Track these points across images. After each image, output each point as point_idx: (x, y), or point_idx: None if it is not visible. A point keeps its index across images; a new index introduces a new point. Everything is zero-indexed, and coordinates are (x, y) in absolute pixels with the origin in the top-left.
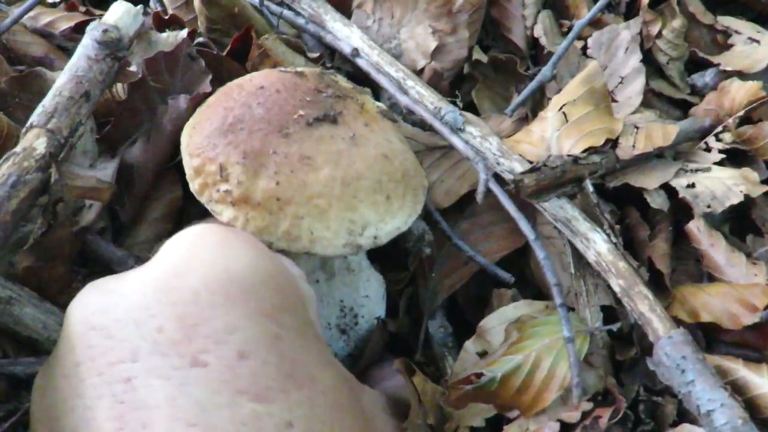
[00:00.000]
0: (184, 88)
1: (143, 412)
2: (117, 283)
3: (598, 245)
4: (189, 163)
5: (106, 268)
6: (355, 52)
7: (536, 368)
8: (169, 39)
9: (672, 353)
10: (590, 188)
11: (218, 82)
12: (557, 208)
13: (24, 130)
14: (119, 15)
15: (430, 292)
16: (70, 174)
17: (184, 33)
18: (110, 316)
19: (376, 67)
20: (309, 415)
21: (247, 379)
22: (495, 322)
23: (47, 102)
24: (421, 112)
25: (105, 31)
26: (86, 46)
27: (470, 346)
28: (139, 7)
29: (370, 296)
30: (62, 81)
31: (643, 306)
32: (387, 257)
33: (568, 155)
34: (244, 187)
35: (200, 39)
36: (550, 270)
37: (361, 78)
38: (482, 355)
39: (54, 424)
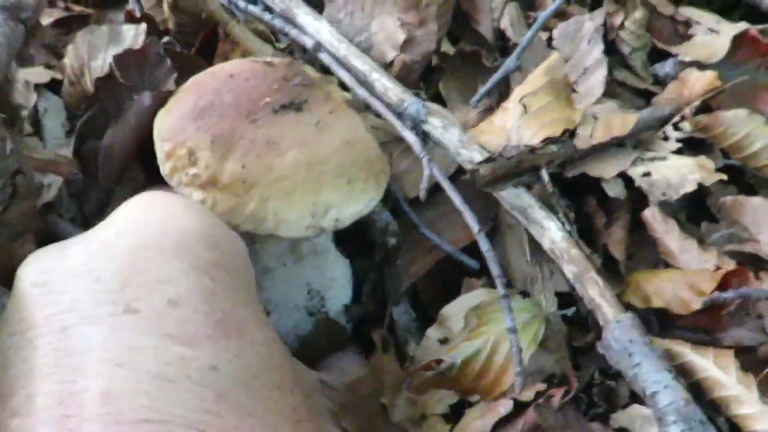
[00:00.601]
0: (152, 85)
1: (75, 357)
2: (62, 248)
3: (552, 233)
4: (160, 147)
5: None
6: (317, 46)
7: (494, 353)
8: (130, 32)
9: (620, 337)
10: (546, 177)
11: (187, 79)
12: (514, 197)
13: None
14: None
15: (394, 278)
16: (28, 148)
17: (143, 27)
18: (54, 273)
19: (339, 61)
20: (234, 362)
21: (175, 324)
22: (456, 309)
23: None
24: (376, 106)
25: None
26: None
27: (432, 333)
28: None
29: (335, 279)
30: None
31: (594, 291)
32: (354, 244)
33: (525, 146)
34: (212, 170)
35: (166, 38)
36: (494, 261)
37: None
38: (443, 341)
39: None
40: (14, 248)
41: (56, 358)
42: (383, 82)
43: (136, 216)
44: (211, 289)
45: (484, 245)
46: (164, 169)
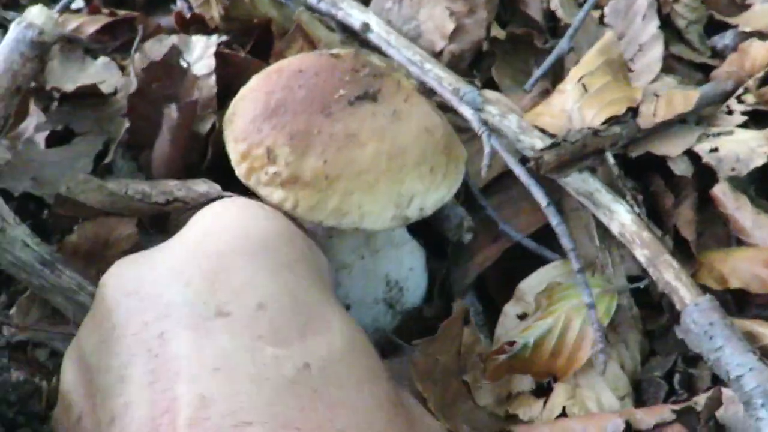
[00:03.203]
0: (178, 96)
1: (173, 362)
2: (146, 256)
3: (621, 216)
4: (234, 149)
5: None
6: (365, 27)
7: (567, 329)
8: (200, 42)
9: (699, 320)
10: (611, 160)
11: (243, 81)
12: (579, 182)
13: None
14: (44, 20)
15: (461, 270)
16: None
17: (214, 39)
18: (143, 281)
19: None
20: (325, 357)
21: (266, 326)
22: (533, 283)
23: None
24: (433, 85)
25: (41, 32)
26: (19, 41)
27: (510, 309)
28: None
29: (414, 269)
30: None
31: (669, 275)
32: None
33: (588, 128)
34: (293, 167)
35: (223, 38)
36: (566, 236)
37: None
38: (522, 317)
39: (88, 388)
40: None
41: (156, 365)
42: (436, 72)
43: (214, 223)
44: (295, 287)
45: (553, 219)
46: (240, 170)
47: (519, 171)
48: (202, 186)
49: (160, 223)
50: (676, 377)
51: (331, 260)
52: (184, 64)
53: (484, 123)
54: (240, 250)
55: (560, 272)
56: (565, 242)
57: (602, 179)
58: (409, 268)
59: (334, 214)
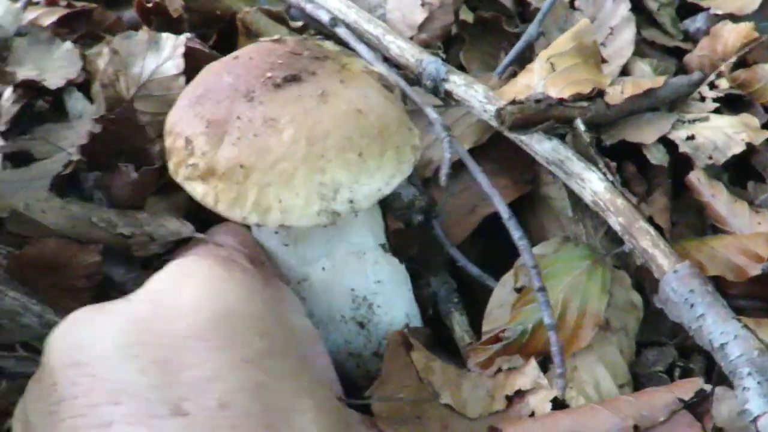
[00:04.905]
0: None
1: None
2: (100, 316)
3: (594, 184)
4: (164, 144)
5: None
6: (333, 21)
7: (566, 309)
8: (168, 41)
9: (679, 288)
10: (582, 127)
11: None
12: (549, 151)
13: None
14: (1, 14)
15: (433, 246)
16: None
17: (182, 39)
18: (93, 352)
19: (356, 34)
20: None
21: (226, 429)
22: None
23: None
24: (399, 82)
25: None
26: None
27: (508, 280)
28: (20, 4)
29: (382, 282)
30: None
31: (645, 242)
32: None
33: (553, 97)
34: (208, 157)
35: (187, 35)
36: (527, 251)
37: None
38: (520, 290)
39: None
40: None
41: None
42: (398, 44)
43: (179, 293)
44: (261, 383)
45: (515, 232)
46: (170, 166)
47: (481, 177)
48: (174, 224)
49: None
50: (677, 372)
51: (290, 272)
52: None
53: (447, 129)
54: (202, 337)
55: (553, 248)
56: (527, 259)
57: (574, 149)
58: (375, 281)
59: (255, 209)
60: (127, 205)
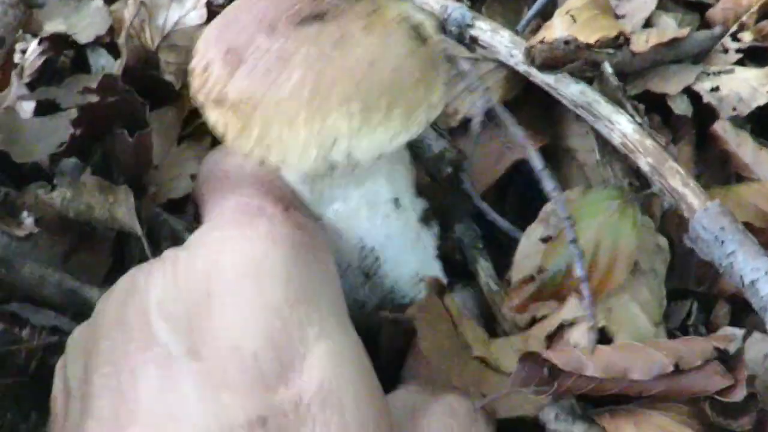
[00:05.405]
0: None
1: (131, 404)
2: (145, 276)
3: (623, 126)
4: (191, 66)
5: None
6: None
7: (599, 249)
8: None
9: (709, 226)
10: (609, 69)
11: None
12: (578, 94)
13: None
14: None
15: (460, 195)
16: None
17: None
18: (132, 308)
19: None
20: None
21: (234, 372)
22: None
23: None
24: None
25: None
26: None
27: (533, 231)
28: None
29: (391, 236)
30: None
31: (675, 181)
32: None
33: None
34: (221, 85)
35: None
36: (561, 202)
37: None
38: (546, 240)
39: (63, 406)
40: None
41: (114, 404)
42: None
43: (214, 255)
44: (278, 329)
45: (549, 183)
46: (193, 88)
47: (515, 129)
48: None
49: None
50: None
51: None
52: None
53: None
54: (234, 291)
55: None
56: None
57: (601, 92)
58: (384, 235)
59: (259, 144)
60: (135, 170)
